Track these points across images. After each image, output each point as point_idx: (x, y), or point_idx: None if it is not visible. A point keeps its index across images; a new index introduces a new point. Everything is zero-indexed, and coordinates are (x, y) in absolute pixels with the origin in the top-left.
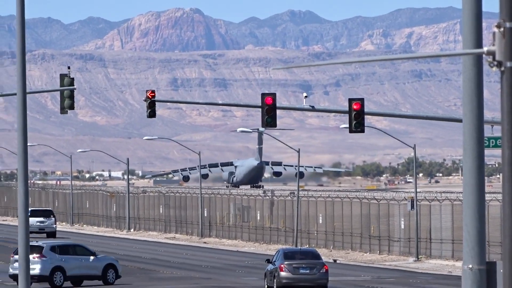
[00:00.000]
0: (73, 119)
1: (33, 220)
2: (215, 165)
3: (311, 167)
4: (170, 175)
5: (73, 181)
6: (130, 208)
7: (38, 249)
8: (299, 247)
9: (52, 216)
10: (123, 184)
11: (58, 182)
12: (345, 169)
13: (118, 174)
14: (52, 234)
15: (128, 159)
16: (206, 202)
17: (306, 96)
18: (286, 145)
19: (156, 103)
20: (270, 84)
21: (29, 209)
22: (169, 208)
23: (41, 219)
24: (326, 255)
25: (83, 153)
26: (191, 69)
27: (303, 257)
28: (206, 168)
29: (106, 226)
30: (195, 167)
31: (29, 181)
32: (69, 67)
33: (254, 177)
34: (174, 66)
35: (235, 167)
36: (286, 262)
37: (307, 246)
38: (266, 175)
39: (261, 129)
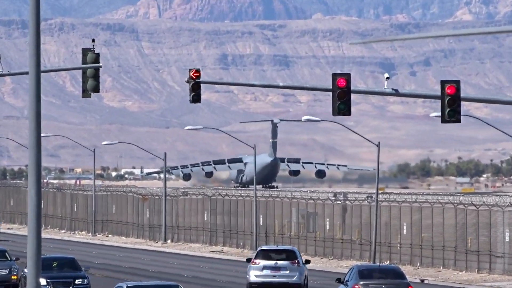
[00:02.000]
0: (98, 104)
1: None
2: (221, 162)
3: (334, 164)
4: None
5: (96, 181)
6: (168, 215)
7: None
8: (378, 264)
9: None
10: (159, 185)
11: (78, 182)
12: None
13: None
14: None
15: (165, 153)
16: (262, 207)
17: (387, 78)
18: (363, 137)
19: (201, 85)
20: (343, 63)
21: None
22: (215, 214)
23: None
24: (411, 273)
25: (109, 146)
26: (245, 43)
27: (382, 276)
28: (211, 165)
29: (137, 236)
30: (198, 163)
31: (42, 180)
32: (93, 40)
33: (267, 176)
34: (224, 40)
35: (245, 164)
36: (361, 282)
37: (388, 262)
38: (283, 173)
39: (276, 120)
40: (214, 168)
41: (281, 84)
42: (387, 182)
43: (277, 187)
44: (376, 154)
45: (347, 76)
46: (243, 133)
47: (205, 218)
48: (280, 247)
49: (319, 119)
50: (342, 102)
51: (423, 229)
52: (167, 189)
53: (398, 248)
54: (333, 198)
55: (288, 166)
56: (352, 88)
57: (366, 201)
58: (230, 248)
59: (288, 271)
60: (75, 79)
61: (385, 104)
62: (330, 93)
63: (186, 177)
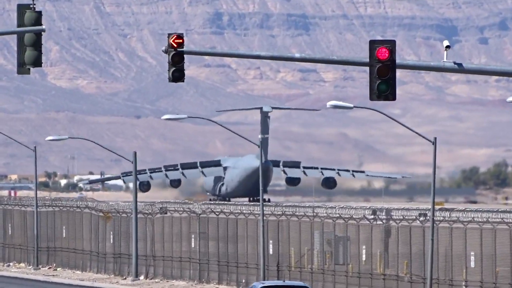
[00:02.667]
0: (40, 84)
1: None
2: (192, 166)
3: (347, 170)
4: (118, 181)
5: (39, 192)
6: (140, 240)
7: None
8: None
9: None
10: (126, 198)
11: (13, 193)
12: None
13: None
14: None
15: (135, 153)
16: (272, 229)
17: (448, 46)
18: (413, 131)
19: (185, 56)
20: (386, 25)
21: None
22: (207, 239)
23: None
24: None
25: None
26: None
27: None
28: (178, 169)
29: (98, 270)
30: (160, 168)
31: None
32: None
33: (255, 185)
34: None
35: (224, 169)
36: None
37: None
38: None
39: (267, 108)
40: (183, 174)
41: (297, 55)
42: (447, 195)
43: (268, 200)
44: (431, 155)
45: (391, 45)
46: (244, 124)
47: (193, 245)
48: (289, 282)
49: (351, 105)
50: (384, 82)
51: (498, 260)
52: (138, 203)
53: (464, 287)
54: (372, 216)
55: (284, 172)
56: (398, 61)
57: (417, 221)
58: (228, 286)
59: None
60: (8, 48)
61: (444, 84)
62: (367, 69)
63: (144, 186)
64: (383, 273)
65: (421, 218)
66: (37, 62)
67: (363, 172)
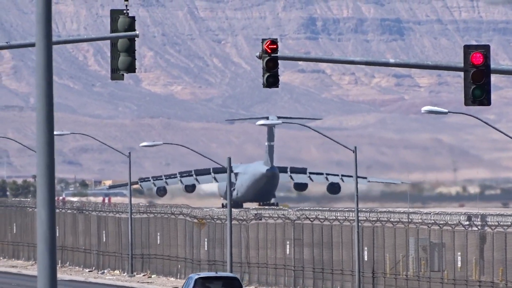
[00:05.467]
0: (134, 90)
1: None
2: (205, 172)
3: (351, 176)
4: (136, 186)
5: (133, 198)
6: (234, 246)
7: None
8: None
9: None
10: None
11: (107, 200)
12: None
13: (213, 186)
14: None
15: (229, 158)
16: (367, 236)
17: None
18: (508, 136)
19: (279, 62)
20: (480, 30)
21: None
22: (301, 246)
23: None
24: None
25: (150, 150)
26: (341, 2)
27: None
28: (192, 176)
29: None
30: (175, 174)
31: (56, 198)
32: (126, 0)
33: (263, 191)
34: None
35: (236, 174)
36: None
37: None
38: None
39: (272, 118)
40: (196, 180)
41: (392, 60)
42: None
43: (277, 205)
44: None
45: (485, 50)
46: (339, 130)
47: (287, 252)
48: (221, 274)
49: (446, 110)
50: (478, 87)
51: None
52: (233, 210)
53: None
54: (467, 223)
55: (291, 177)
56: (493, 66)
57: None
58: None
59: None
60: (101, 54)
61: None
62: (461, 74)
63: (161, 191)
64: (478, 280)
65: None
66: (131, 68)
67: (365, 178)
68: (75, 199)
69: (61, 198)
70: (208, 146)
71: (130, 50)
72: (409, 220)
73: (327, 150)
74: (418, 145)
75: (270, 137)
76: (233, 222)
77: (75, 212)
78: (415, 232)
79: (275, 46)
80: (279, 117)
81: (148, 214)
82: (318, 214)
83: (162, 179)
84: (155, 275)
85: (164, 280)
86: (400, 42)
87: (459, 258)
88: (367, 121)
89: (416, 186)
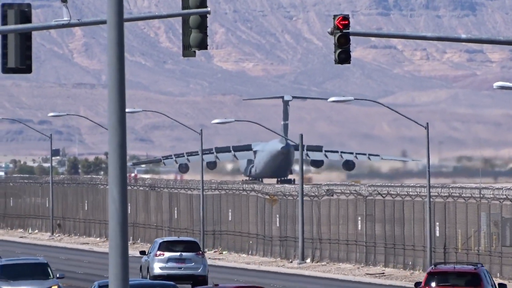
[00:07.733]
0: (206, 67)
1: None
2: (225, 150)
3: (364, 154)
4: (160, 163)
5: (205, 175)
6: (306, 223)
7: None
8: None
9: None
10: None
11: (179, 177)
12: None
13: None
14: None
15: (301, 135)
16: (439, 211)
17: None
18: None
19: (351, 38)
20: None
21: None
22: (373, 222)
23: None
24: None
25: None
26: None
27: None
28: (213, 153)
29: (264, 253)
30: (196, 151)
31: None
32: None
33: (279, 168)
34: None
35: (255, 152)
36: None
37: None
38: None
39: (287, 97)
40: (217, 157)
41: (463, 36)
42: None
43: (294, 181)
44: None
45: None
46: (411, 106)
47: (359, 228)
48: (182, 238)
49: None
50: None
51: None
52: (304, 186)
53: None
54: None
55: (307, 155)
56: None
57: None
58: (394, 269)
59: (193, 263)
60: (173, 31)
61: None
62: None
63: (183, 168)
64: None
65: None
66: (203, 45)
67: (378, 155)
68: (147, 176)
69: (133, 175)
70: (280, 123)
71: (202, 26)
72: (481, 195)
73: (399, 126)
74: (490, 120)
75: (285, 115)
76: (304, 198)
77: (147, 189)
78: (487, 207)
79: (346, 22)
80: (293, 97)
81: (219, 190)
82: (390, 190)
83: (183, 156)
84: (226, 252)
85: (235, 256)
86: (471, 17)
87: None
88: (439, 97)
89: (488, 162)
